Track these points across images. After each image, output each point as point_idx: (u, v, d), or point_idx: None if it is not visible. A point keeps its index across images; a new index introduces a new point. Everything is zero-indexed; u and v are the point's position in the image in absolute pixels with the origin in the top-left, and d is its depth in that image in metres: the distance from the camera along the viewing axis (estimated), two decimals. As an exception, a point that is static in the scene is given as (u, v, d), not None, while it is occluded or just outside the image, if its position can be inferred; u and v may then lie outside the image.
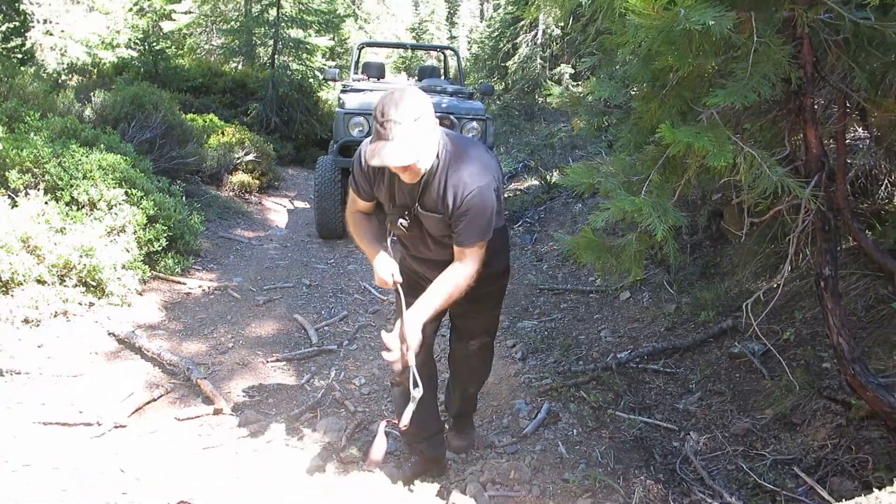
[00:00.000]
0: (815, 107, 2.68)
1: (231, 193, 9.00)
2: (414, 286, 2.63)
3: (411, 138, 2.06)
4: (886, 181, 4.26)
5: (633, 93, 2.80)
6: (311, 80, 15.03)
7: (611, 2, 2.32)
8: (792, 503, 2.57)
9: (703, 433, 3.23)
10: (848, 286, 3.91)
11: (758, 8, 2.43)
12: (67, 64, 12.99)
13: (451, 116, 6.82)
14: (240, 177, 9.26)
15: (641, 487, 2.88)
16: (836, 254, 2.78)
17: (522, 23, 19.35)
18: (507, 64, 20.39)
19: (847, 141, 4.28)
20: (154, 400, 3.60)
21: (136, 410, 3.47)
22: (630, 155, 2.78)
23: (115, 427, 3.25)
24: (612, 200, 2.43)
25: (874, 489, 1.97)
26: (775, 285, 4.48)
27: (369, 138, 2.24)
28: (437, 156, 2.26)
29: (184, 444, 3.16)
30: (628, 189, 2.52)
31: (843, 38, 2.65)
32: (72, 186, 5.08)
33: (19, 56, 12.81)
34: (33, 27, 14.94)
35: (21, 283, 4.27)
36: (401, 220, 2.46)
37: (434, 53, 19.92)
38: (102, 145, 5.95)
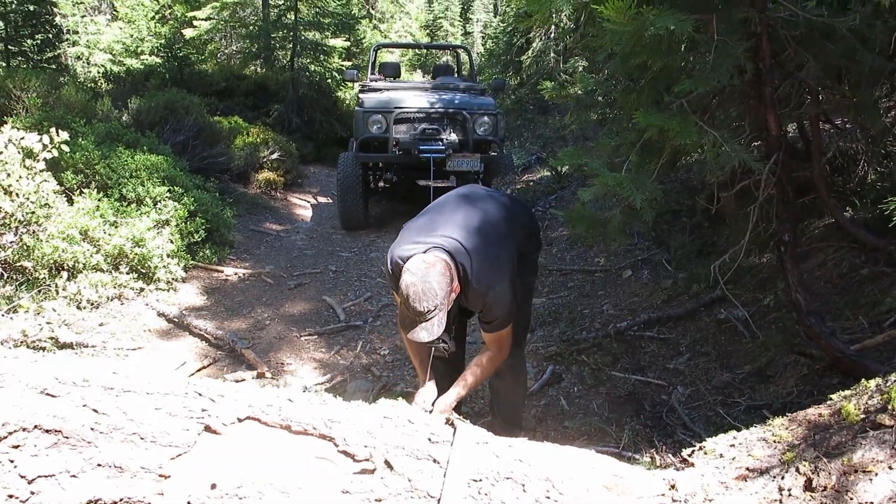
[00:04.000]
0: (776, 94, 3.08)
1: (258, 190, 9.52)
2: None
3: (437, 319, 2.32)
4: (863, 161, 4.63)
5: (615, 86, 3.22)
6: (329, 80, 15.52)
7: (590, 11, 2.75)
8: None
9: (689, 387, 3.66)
10: (826, 257, 4.31)
11: (717, 10, 2.84)
12: (102, 73, 13.60)
13: (464, 112, 7.26)
14: (265, 174, 9.77)
15: (631, 431, 3.31)
16: (795, 222, 3.18)
17: (535, 17, 19.60)
18: (521, 59, 20.73)
19: (837, 124, 4.68)
20: (205, 367, 4.09)
21: (191, 376, 3.95)
22: (614, 141, 3.20)
23: (174, 389, 3.73)
24: (598, 177, 2.86)
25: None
26: (765, 259, 4.88)
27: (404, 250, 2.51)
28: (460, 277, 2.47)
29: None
30: (612, 168, 2.95)
31: (799, 33, 3.06)
32: (120, 185, 5.60)
33: (53, 67, 13.45)
34: (66, 38, 15.57)
35: (82, 270, 4.78)
36: (443, 345, 2.68)
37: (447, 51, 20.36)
38: (145, 147, 6.46)
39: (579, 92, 3.27)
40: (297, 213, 9.04)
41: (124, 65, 15.56)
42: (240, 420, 2.11)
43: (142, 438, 2.02)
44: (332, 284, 5.77)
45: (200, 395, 2.21)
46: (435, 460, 2.02)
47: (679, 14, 2.58)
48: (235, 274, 5.88)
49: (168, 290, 5.25)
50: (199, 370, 4.07)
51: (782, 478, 1.88)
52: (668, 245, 5.71)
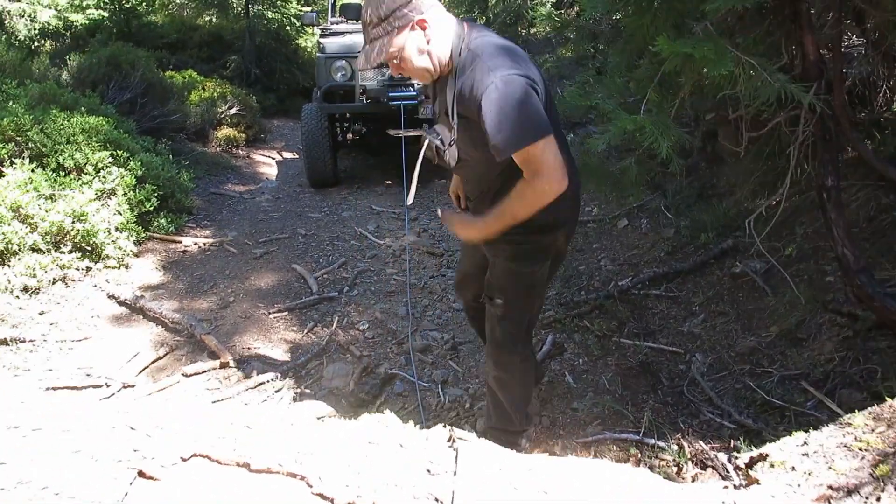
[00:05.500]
0: (811, 12, 2.61)
1: (218, 149, 8.88)
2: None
3: (379, 37, 1.96)
4: (885, 88, 4.18)
5: (621, 13, 2.71)
6: (287, 28, 14.66)
7: (596, -87, 2.23)
8: (801, 418, 2.58)
9: (709, 354, 3.25)
10: (849, 197, 3.88)
11: None
12: (39, 29, 12.62)
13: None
14: (225, 131, 9.12)
15: (650, 411, 2.91)
16: (838, 163, 2.74)
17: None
18: (488, -2, 19.87)
19: (843, 48, 4.21)
20: (160, 358, 3.61)
21: (144, 369, 3.48)
22: (623, 76, 2.71)
23: (124, 387, 3.26)
24: (613, 121, 2.38)
25: (886, 399, 1.98)
26: (775, 202, 4.48)
27: None
28: (457, 55, 2.02)
29: (193, 399, 3.18)
30: (626, 110, 2.46)
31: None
32: (56, 152, 4.98)
33: (-12, 24, 12.43)
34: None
35: (16, 253, 4.22)
36: (436, 138, 2.19)
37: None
38: (83, 108, 5.81)
39: (581, 18, 2.76)
40: (262, 171, 8.44)
41: (70, 20, 14.54)
42: (184, 459, 1.65)
43: (56, 494, 1.54)
44: (303, 250, 5.26)
45: (133, 429, 1.74)
46: (437, 499, 1.58)
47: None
48: (195, 244, 5.34)
49: (119, 268, 4.71)
50: (153, 361, 3.58)
51: (878, 499, 1.47)
52: (665, 189, 5.26)
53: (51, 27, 12.62)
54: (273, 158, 9.14)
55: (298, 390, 3.30)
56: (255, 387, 3.28)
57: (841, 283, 3.24)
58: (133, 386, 3.28)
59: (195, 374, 3.40)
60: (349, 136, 7.32)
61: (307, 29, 14.01)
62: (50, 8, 17.82)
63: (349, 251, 5.21)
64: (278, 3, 14.47)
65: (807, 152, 2.79)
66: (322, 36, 7.51)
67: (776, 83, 2.22)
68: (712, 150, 5.56)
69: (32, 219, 4.33)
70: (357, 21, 8.35)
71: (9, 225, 4.14)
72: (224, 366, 3.46)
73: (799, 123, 2.63)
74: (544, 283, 2.41)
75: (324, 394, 3.25)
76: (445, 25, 2.01)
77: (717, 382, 3.03)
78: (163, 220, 5.47)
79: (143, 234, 5.18)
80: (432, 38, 1.99)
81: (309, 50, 14.98)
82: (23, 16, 19.48)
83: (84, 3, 15.85)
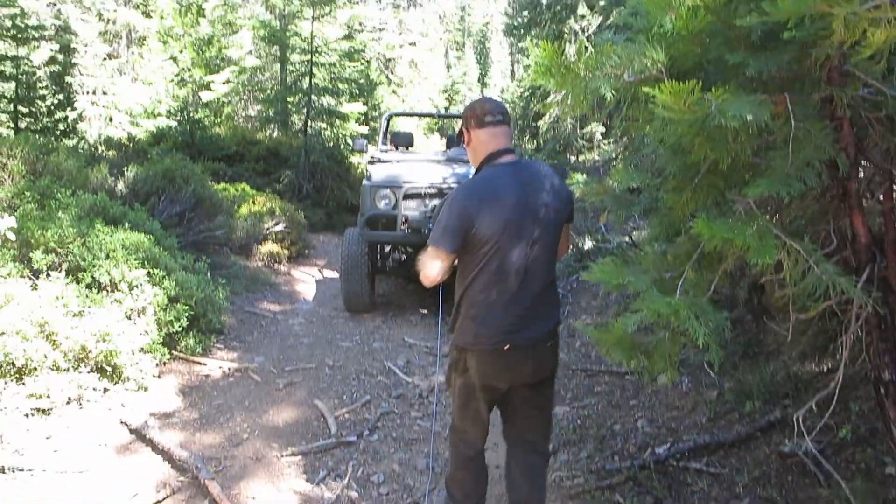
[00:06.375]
0: (860, 191, 2.45)
1: (260, 263, 8.97)
2: None
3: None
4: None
5: (661, 179, 2.62)
6: (342, 147, 15.18)
7: (635, 93, 2.16)
8: None
9: (754, 551, 2.91)
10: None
11: (792, 89, 2.23)
12: (105, 138, 13.31)
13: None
14: (269, 247, 9.24)
15: None
16: (897, 355, 2.50)
17: (564, 98, 19.41)
18: (539, 124, 20.47)
19: None
20: (159, 502, 3.40)
21: (139, 515, 3.28)
22: (660, 245, 2.57)
23: (115, 536, 3.06)
24: (645, 301, 2.22)
25: None
26: (826, 370, 4.19)
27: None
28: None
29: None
30: (661, 287, 2.30)
31: (885, 115, 2.44)
32: (94, 267, 5.03)
33: (62, 128, 13.15)
34: (77, 100, 15.39)
35: (34, 370, 4.16)
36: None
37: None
38: (128, 223, 5.93)
39: (616, 189, 2.68)
40: (299, 289, 8.43)
41: (140, 126, 15.37)
42: None
43: None
44: (327, 384, 5.08)
45: None
46: None
47: (751, 97, 1.98)
48: (220, 368, 5.23)
49: (137, 390, 4.61)
50: (151, 506, 3.38)
51: None
52: (708, 344, 4.99)
53: (118, 137, 13.31)
54: (313, 276, 9.17)
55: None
56: (252, 549, 3.04)
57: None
58: (124, 535, 3.08)
59: (192, 526, 3.19)
60: (388, 262, 7.32)
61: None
62: (126, 113, 19.01)
63: (375, 388, 5.02)
64: (336, 122, 15.04)
65: (860, 333, 2.57)
66: (370, 163, 7.66)
67: (824, 275, 2.04)
68: (758, 302, 5.31)
69: (56, 336, 4.29)
70: (407, 149, 8.54)
71: (31, 342, 4.11)
72: (223, 520, 3.24)
73: (851, 306, 2.42)
74: (460, 395, 2.73)
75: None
76: (480, 148, 2.64)
77: (763, 589, 2.68)
78: (191, 341, 5.41)
79: (168, 356, 5.11)
80: (469, 148, 2.71)
81: (361, 168, 15.42)
82: (100, 119, 20.77)
83: (156, 111, 16.84)
